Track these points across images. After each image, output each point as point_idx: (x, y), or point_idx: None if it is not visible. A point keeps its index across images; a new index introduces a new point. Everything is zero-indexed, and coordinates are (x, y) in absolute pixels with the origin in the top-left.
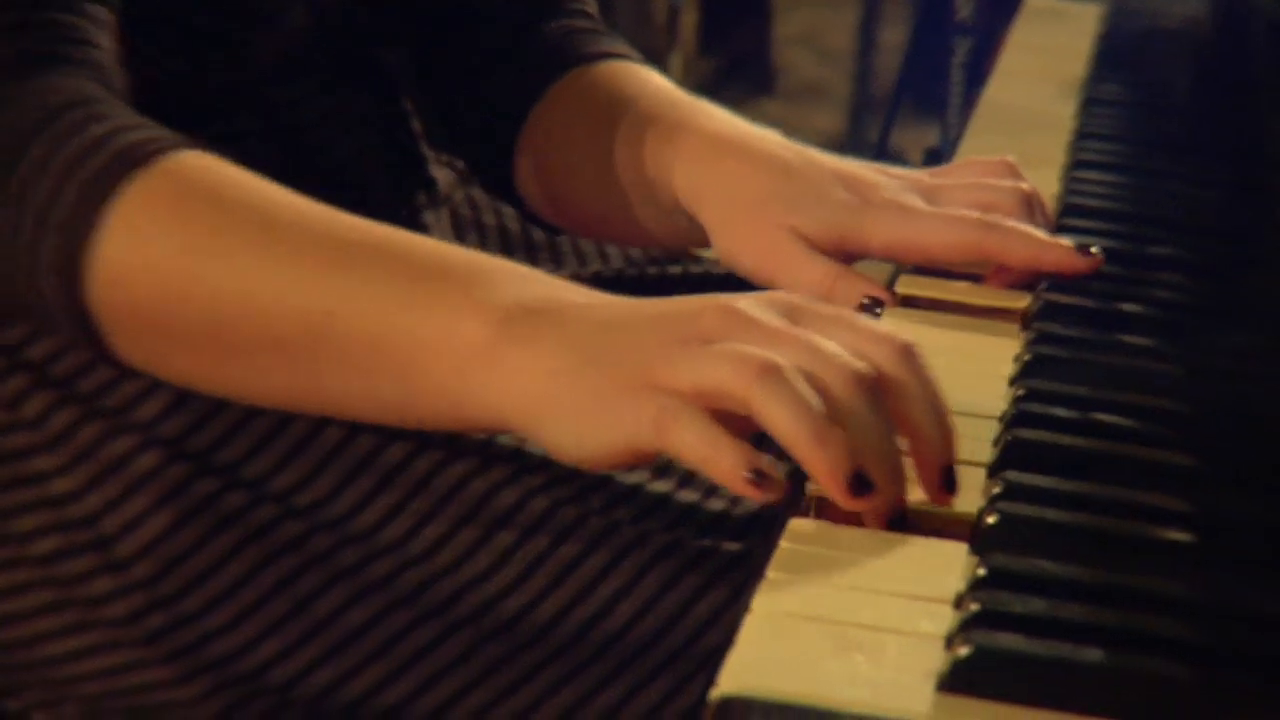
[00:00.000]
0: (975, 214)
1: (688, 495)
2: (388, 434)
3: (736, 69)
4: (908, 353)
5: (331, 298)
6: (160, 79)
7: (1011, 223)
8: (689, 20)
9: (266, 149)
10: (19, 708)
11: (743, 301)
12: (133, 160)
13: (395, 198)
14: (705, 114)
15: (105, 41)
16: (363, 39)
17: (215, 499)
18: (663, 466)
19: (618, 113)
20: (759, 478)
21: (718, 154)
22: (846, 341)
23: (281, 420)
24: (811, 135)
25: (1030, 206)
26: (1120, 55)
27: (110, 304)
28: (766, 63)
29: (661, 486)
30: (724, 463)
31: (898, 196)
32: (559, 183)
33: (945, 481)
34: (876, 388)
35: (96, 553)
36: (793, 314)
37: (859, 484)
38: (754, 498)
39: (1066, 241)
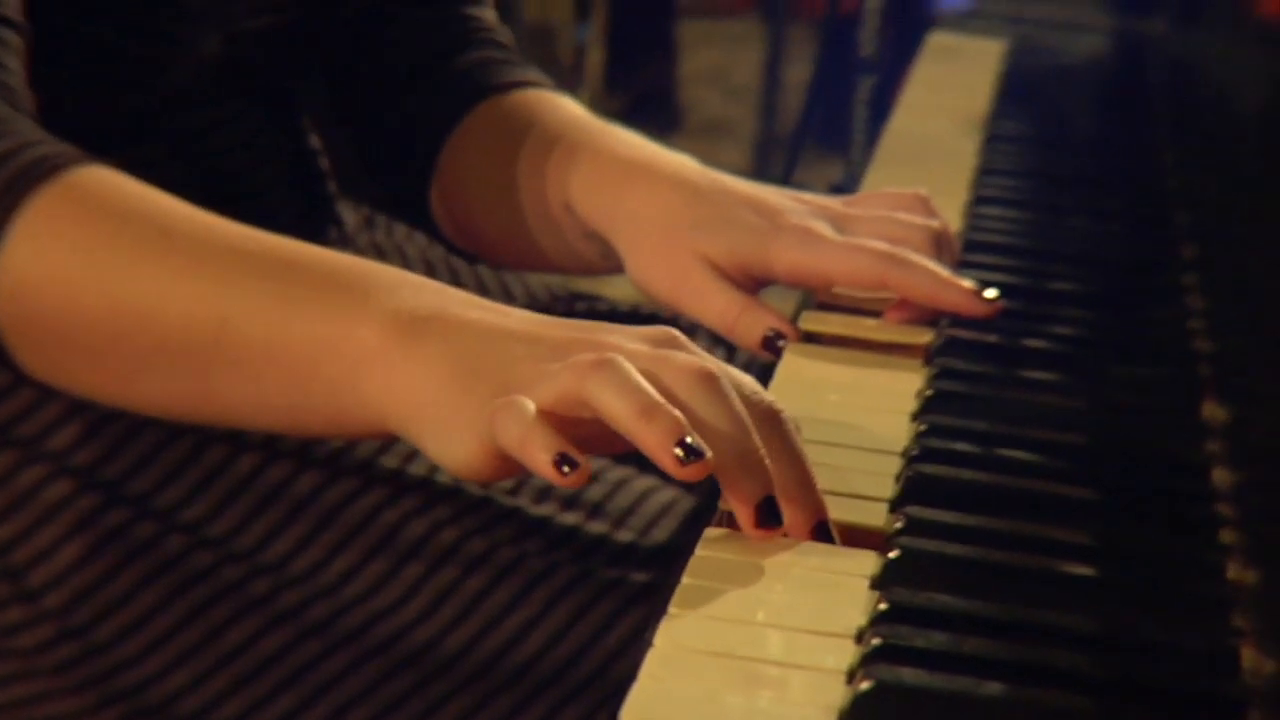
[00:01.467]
0: (882, 246)
1: (597, 527)
2: (299, 464)
3: (643, 106)
4: (774, 416)
5: (226, 305)
6: (71, 101)
7: (917, 258)
8: (595, 58)
9: (175, 175)
10: None
11: (616, 334)
12: (36, 174)
13: (304, 232)
14: (612, 136)
15: (13, 64)
16: (276, 69)
17: (126, 529)
18: (571, 498)
19: (520, 138)
20: (563, 461)
21: (626, 177)
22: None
23: (194, 450)
24: (719, 170)
25: (938, 244)
26: (1021, 92)
27: (13, 316)
28: (672, 100)
29: (571, 518)
30: (533, 446)
31: (805, 222)
32: (469, 211)
33: (820, 538)
34: (718, 385)
35: (8, 582)
36: (668, 349)
37: (690, 453)
38: (564, 485)
39: (969, 283)
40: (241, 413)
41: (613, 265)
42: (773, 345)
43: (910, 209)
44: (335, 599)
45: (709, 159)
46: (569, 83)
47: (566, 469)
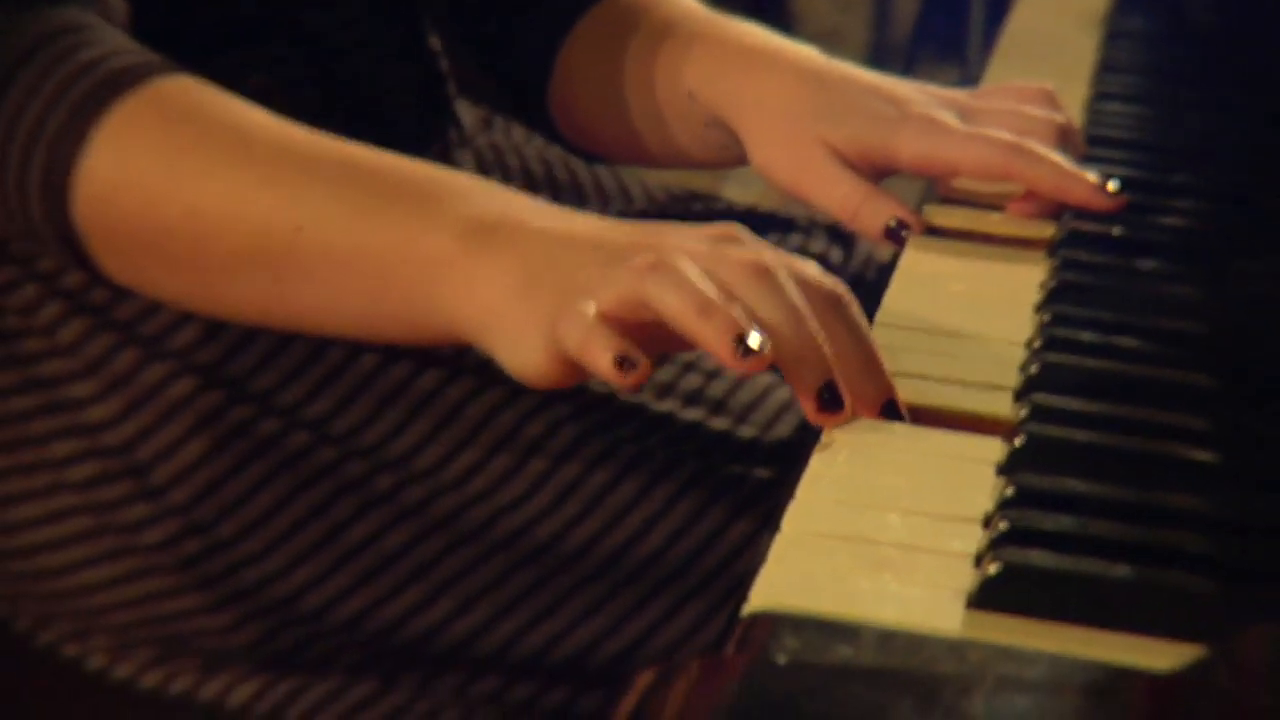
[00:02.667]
0: (1008, 137)
1: (719, 423)
2: (420, 362)
3: (755, 14)
4: (837, 301)
5: (301, 213)
6: (194, 1)
7: (1043, 150)
8: None
9: (300, 75)
10: (50, 640)
11: (677, 234)
12: (120, 83)
13: (424, 132)
14: (733, 26)
15: None
16: None
17: (249, 426)
18: (694, 394)
19: (633, 31)
20: (624, 361)
21: (749, 64)
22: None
23: (315, 349)
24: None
25: (1064, 137)
26: None
27: (95, 222)
28: (785, 9)
29: (693, 414)
30: (594, 348)
31: (931, 111)
32: (586, 110)
33: (889, 416)
34: (772, 276)
35: (132, 479)
36: (727, 245)
37: (746, 348)
38: (624, 384)
39: (1093, 177)
40: (317, 318)
41: (733, 156)
42: (896, 234)
43: (1036, 102)
44: (458, 495)
45: None
46: None
47: (627, 368)
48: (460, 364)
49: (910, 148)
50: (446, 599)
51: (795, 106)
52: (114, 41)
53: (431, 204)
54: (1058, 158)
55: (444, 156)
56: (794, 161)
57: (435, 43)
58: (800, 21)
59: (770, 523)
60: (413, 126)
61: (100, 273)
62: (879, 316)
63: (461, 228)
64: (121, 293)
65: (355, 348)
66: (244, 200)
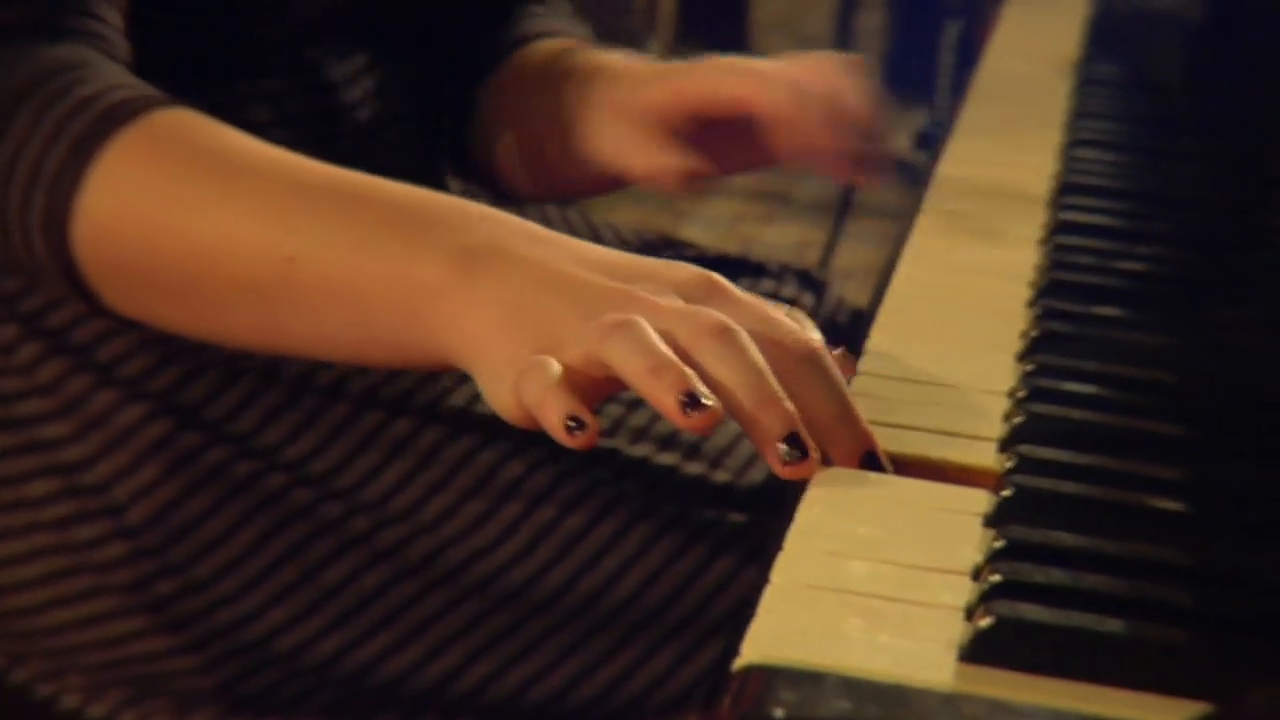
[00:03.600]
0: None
1: (694, 467)
2: (397, 407)
3: (715, 55)
4: (811, 355)
5: (292, 245)
6: (195, 35)
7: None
8: (667, 7)
9: (301, 107)
10: (24, 679)
11: (653, 282)
12: (115, 118)
13: (424, 162)
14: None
15: (109, 14)
16: (390, 7)
17: (226, 467)
18: (668, 439)
19: (534, 81)
20: (576, 425)
21: None
22: (746, 324)
23: (293, 392)
24: None
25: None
26: (1112, 35)
27: (95, 256)
28: (744, 49)
29: (668, 459)
30: (546, 408)
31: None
32: (490, 154)
33: (870, 467)
34: (731, 338)
35: (108, 519)
36: (706, 294)
37: (692, 403)
38: (572, 445)
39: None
40: (310, 345)
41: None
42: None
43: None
44: (433, 537)
45: None
46: (642, 31)
47: (574, 430)
48: (437, 411)
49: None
50: (421, 642)
51: None
52: (112, 76)
53: (422, 233)
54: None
55: (438, 187)
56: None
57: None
58: (760, 58)
59: (746, 566)
60: (412, 155)
61: (101, 305)
62: (862, 365)
63: (451, 256)
64: (104, 335)
65: (334, 392)
66: (236, 235)
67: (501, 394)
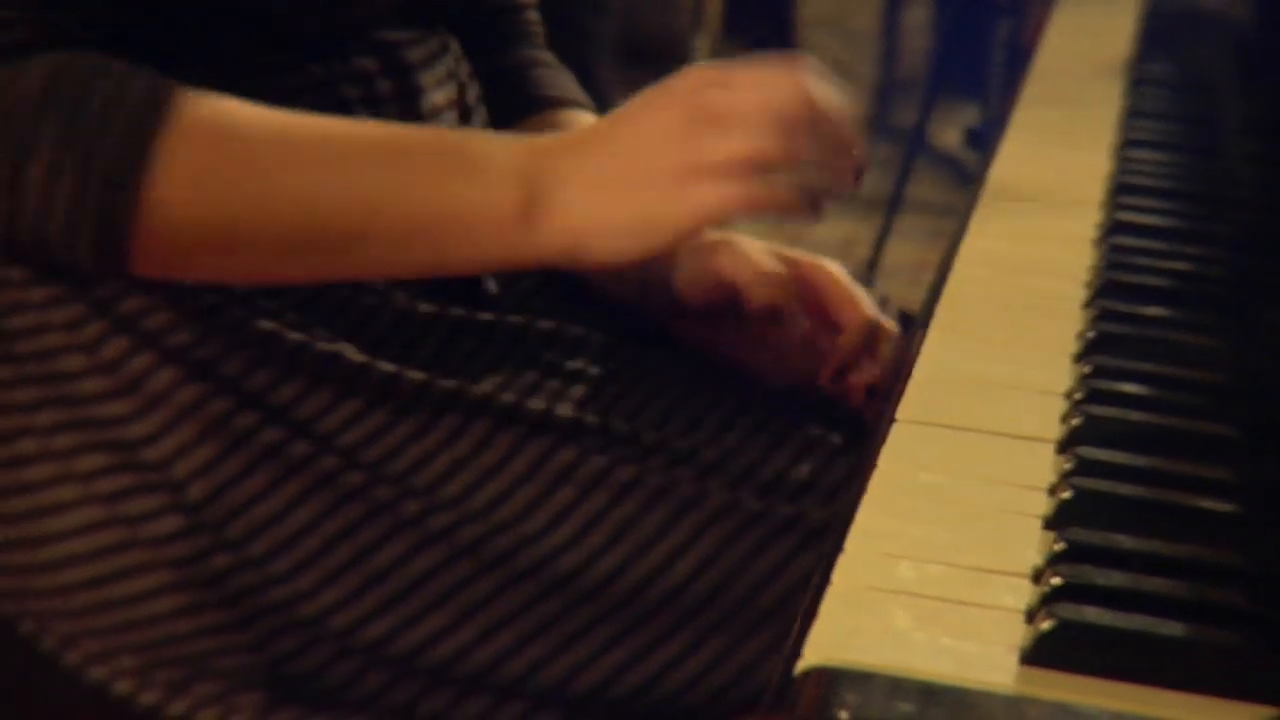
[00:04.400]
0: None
1: (745, 457)
2: (450, 401)
3: (761, 51)
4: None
5: (373, 196)
6: (284, 18)
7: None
8: (714, 5)
9: (385, 88)
10: (76, 661)
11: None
12: (155, 108)
13: None
14: None
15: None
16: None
17: (282, 447)
18: (721, 429)
19: None
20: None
21: None
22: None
23: (350, 382)
24: None
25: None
26: (1163, 34)
27: (160, 243)
28: (791, 45)
29: (719, 448)
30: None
31: None
32: None
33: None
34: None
35: (166, 493)
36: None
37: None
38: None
39: None
40: (389, 271)
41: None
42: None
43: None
44: (485, 522)
45: None
46: (688, 27)
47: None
48: (489, 404)
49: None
50: (470, 625)
51: None
52: (110, 61)
53: (482, 162)
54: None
55: None
56: None
57: (465, 70)
58: (807, 56)
59: (795, 557)
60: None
61: (123, 272)
62: (920, 365)
63: (519, 174)
64: (176, 322)
65: (390, 383)
66: (317, 199)
67: (657, 227)
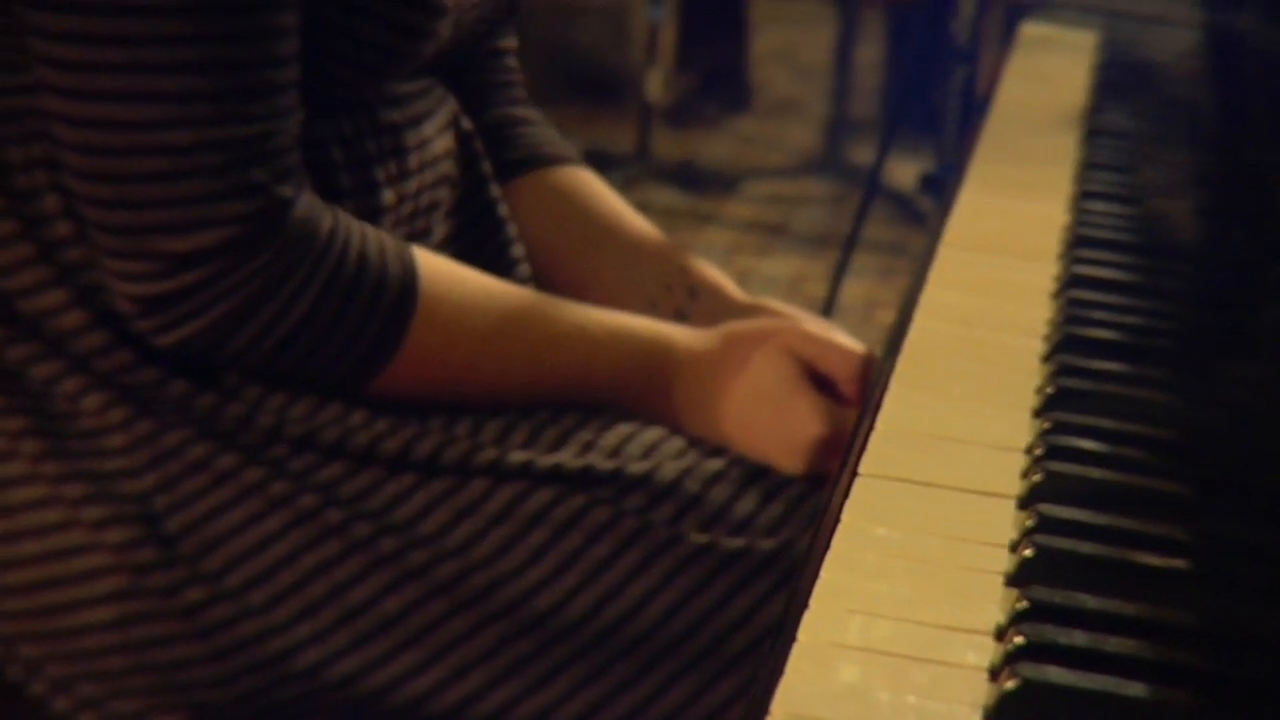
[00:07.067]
0: None
1: (720, 493)
2: (421, 431)
3: (713, 84)
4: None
5: (549, 383)
6: (368, 69)
7: None
8: (667, 36)
9: (373, 148)
10: (43, 690)
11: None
12: (404, 298)
13: (468, 204)
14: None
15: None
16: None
17: (263, 485)
18: (693, 468)
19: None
20: None
21: None
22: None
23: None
24: (787, 151)
25: None
26: (1118, 86)
27: (391, 391)
28: (742, 78)
29: (694, 485)
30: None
31: None
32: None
33: None
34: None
35: (145, 525)
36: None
37: None
38: None
39: None
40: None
41: None
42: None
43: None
44: (461, 561)
45: (778, 138)
46: (641, 60)
47: None
48: (472, 440)
49: None
50: (441, 665)
51: None
52: (354, 232)
53: (664, 359)
54: None
55: (491, 210)
56: None
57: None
58: (758, 91)
59: (768, 600)
60: (464, 193)
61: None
62: (881, 420)
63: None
64: (150, 387)
65: (369, 424)
66: (509, 377)
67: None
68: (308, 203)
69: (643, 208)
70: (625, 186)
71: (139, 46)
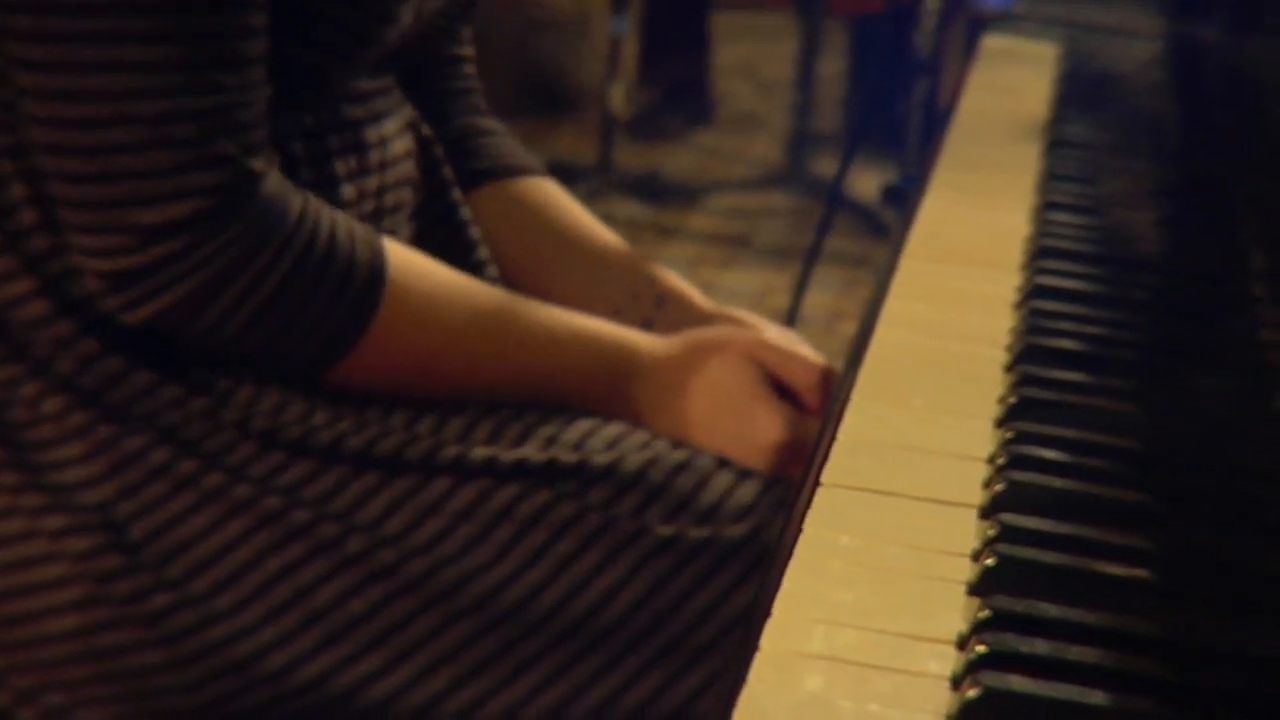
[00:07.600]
0: None
1: (685, 482)
2: (383, 428)
3: (675, 98)
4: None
5: (518, 376)
6: (333, 52)
7: None
8: (629, 50)
9: (334, 143)
10: (7, 701)
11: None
12: (373, 284)
13: (437, 194)
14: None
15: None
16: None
17: (226, 489)
18: (657, 459)
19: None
20: None
21: None
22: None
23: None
24: (750, 164)
25: None
26: (1080, 97)
27: (357, 378)
28: (705, 92)
29: (659, 475)
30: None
31: None
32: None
33: None
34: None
35: (109, 533)
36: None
37: None
38: None
39: None
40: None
41: None
42: None
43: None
44: (427, 559)
45: (740, 151)
46: (603, 74)
47: None
48: (435, 437)
49: None
50: (409, 663)
51: None
52: (324, 218)
53: (629, 364)
54: None
55: (453, 213)
56: None
57: (428, 130)
58: (720, 104)
59: (736, 589)
60: (424, 191)
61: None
62: (844, 430)
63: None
64: (113, 381)
65: (332, 423)
66: (477, 368)
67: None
68: (277, 181)
69: (606, 220)
70: (588, 199)
71: (107, 16)
